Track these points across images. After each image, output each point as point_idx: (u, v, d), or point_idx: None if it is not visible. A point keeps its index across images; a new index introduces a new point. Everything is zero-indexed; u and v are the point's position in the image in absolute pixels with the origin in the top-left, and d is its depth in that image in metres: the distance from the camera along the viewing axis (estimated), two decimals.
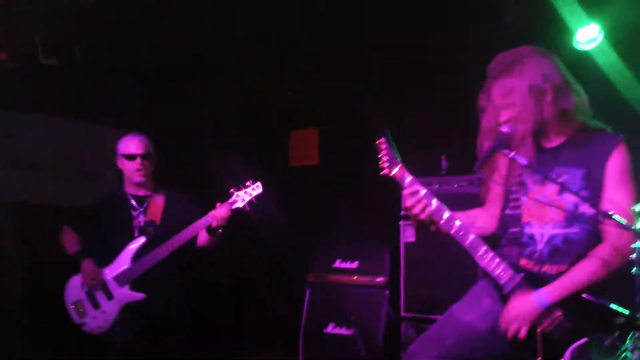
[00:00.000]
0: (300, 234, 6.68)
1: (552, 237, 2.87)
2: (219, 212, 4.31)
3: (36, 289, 5.48)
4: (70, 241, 4.64)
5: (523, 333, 2.76)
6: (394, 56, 6.53)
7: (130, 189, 4.68)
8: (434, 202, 3.01)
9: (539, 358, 2.73)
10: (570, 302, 2.74)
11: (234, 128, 6.95)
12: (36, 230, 5.57)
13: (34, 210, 5.70)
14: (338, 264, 5.96)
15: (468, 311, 3.02)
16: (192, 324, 4.87)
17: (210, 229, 4.41)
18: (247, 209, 4.34)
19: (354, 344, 5.48)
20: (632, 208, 2.71)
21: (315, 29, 6.29)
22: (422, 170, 5.62)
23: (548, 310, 2.74)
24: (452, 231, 2.98)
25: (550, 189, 2.89)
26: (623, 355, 4.79)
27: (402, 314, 5.43)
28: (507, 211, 3.03)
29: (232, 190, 4.37)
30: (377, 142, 3.14)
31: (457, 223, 2.96)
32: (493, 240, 3.10)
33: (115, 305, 4.44)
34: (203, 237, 4.56)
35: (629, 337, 4.87)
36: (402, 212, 5.60)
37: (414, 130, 6.27)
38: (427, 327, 5.25)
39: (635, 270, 4.94)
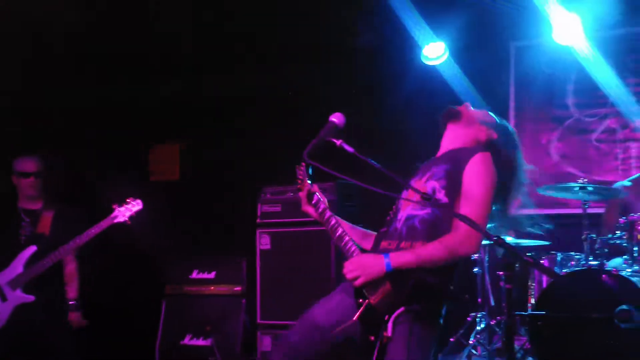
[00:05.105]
0: (159, 247, 6.57)
1: (409, 217, 3.08)
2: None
3: None
4: None
5: (359, 282, 2.93)
6: (256, 71, 6.62)
7: (23, 204, 5.08)
8: (324, 207, 3.27)
9: (356, 318, 2.92)
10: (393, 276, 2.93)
11: (94, 141, 6.78)
12: None
13: None
14: (195, 274, 5.90)
15: (317, 308, 3.17)
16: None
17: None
18: (129, 222, 4.81)
19: (211, 354, 5.44)
20: (485, 210, 3.00)
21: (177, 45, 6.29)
22: (289, 178, 5.74)
23: (388, 275, 2.91)
24: (328, 225, 3.22)
25: (423, 180, 3.15)
26: (468, 351, 5.08)
27: (259, 321, 5.46)
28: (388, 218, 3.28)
29: (114, 206, 4.82)
30: (296, 166, 3.35)
31: (332, 220, 3.22)
32: None
33: (7, 307, 4.77)
34: None
35: (472, 334, 5.17)
36: (258, 221, 5.64)
37: (284, 139, 6.33)
38: (282, 333, 5.38)
39: (477, 269, 5.29)
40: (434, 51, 6.22)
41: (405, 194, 3.19)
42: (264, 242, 5.63)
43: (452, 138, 3.28)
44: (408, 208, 3.11)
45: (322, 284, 5.28)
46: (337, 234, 3.16)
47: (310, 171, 3.34)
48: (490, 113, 3.39)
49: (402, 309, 2.84)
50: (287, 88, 6.59)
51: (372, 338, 2.87)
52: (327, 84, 6.36)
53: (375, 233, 3.32)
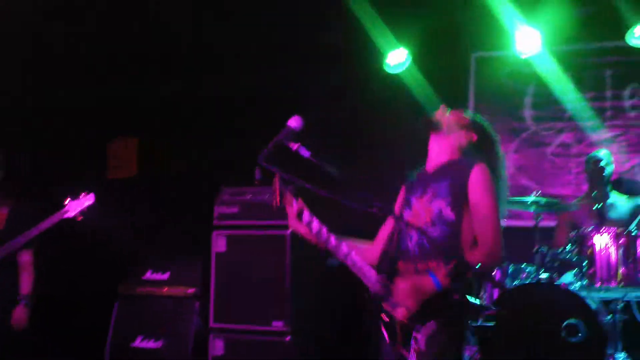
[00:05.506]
0: (113, 245, 6.50)
1: (420, 237, 3.14)
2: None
3: None
4: None
5: (415, 307, 2.94)
6: (218, 72, 6.58)
7: None
8: (319, 227, 3.23)
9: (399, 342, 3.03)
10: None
11: (50, 137, 6.68)
12: None
13: None
14: (149, 275, 5.84)
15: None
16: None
17: None
18: (79, 217, 4.78)
19: (162, 357, 5.40)
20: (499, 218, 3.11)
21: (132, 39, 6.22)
22: (238, 180, 5.72)
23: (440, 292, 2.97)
24: (329, 245, 3.21)
25: (425, 198, 3.22)
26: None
27: (212, 324, 5.42)
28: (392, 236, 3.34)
29: (66, 200, 4.79)
30: (273, 180, 3.25)
31: (333, 240, 3.21)
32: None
33: None
34: None
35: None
36: (215, 222, 5.59)
37: (244, 140, 6.30)
38: (235, 337, 5.37)
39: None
40: (397, 58, 6.25)
41: (408, 212, 3.26)
42: (219, 243, 5.59)
43: (438, 149, 3.36)
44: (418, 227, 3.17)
45: (276, 288, 5.29)
46: (342, 253, 3.18)
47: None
48: (464, 114, 3.46)
49: (432, 323, 2.92)
50: (249, 91, 6.56)
51: (405, 353, 2.98)
52: (288, 87, 6.36)
53: (361, 242, 3.37)
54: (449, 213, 3.12)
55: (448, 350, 2.99)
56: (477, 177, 3.15)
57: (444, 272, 2.97)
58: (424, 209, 3.19)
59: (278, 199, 3.21)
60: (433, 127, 3.38)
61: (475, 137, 3.38)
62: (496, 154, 3.38)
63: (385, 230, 3.44)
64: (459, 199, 3.13)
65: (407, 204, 3.31)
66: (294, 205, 3.20)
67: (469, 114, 3.49)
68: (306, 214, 3.20)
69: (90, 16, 5.83)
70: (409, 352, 2.96)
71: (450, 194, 3.15)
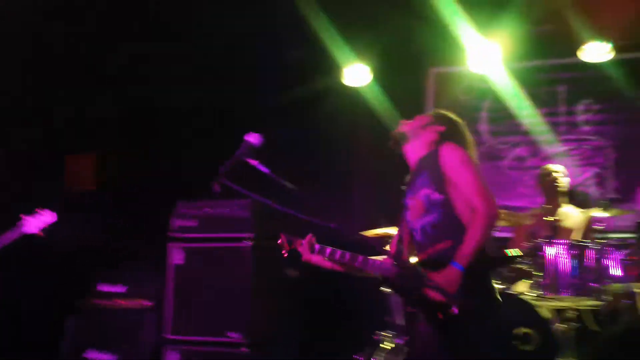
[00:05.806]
0: (69, 258, 6.42)
1: (422, 227, 3.36)
2: None
3: None
4: None
5: (452, 294, 3.12)
6: (176, 86, 6.57)
7: None
8: (331, 249, 3.42)
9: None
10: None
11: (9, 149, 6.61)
12: None
13: None
14: (105, 287, 5.78)
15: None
16: None
17: None
18: (41, 234, 4.78)
19: None
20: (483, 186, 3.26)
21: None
22: (198, 194, 5.70)
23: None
24: (345, 260, 3.40)
25: (414, 193, 3.43)
26: None
27: (168, 336, 5.37)
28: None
29: (22, 215, 4.78)
30: (279, 242, 3.47)
31: (347, 255, 3.41)
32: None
33: None
34: None
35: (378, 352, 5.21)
36: (171, 234, 5.55)
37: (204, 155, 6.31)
38: (191, 349, 5.33)
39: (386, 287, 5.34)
40: (355, 73, 6.31)
41: (408, 214, 3.44)
42: (177, 256, 5.55)
43: (413, 153, 3.54)
44: (417, 219, 3.38)
45: (234, 299, 5.26)
46: (359, 261, 3.36)
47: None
48: (422, 115, 3.62)
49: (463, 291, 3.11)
50: (207, 105, 6.57)
51: (441, 316, 3.14)
52: (245, 102, 6.39)
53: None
54: (436, 196, 3.30)
55: (480, 306, 3.15)
56: (446, 155, 3.33)
57: (455, 248, 3.16)
58: (415, 202, 3.39)
59: (287, 247, 3.43)
60: (400, 140, 3.55)
61: (443, 128, 3.53)
62: (465, 137, 3.54)
63: (394, 240, 3.63)
64: (441, 181, 3.31)
65: (406, 208, 3.49)
66: (304, 243, 3.42)
67: (429, 113, 3.65)
68: (316, 245, 3.41)
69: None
70: (437, 325, 3.16)
71: (432, 180, 3.34)
